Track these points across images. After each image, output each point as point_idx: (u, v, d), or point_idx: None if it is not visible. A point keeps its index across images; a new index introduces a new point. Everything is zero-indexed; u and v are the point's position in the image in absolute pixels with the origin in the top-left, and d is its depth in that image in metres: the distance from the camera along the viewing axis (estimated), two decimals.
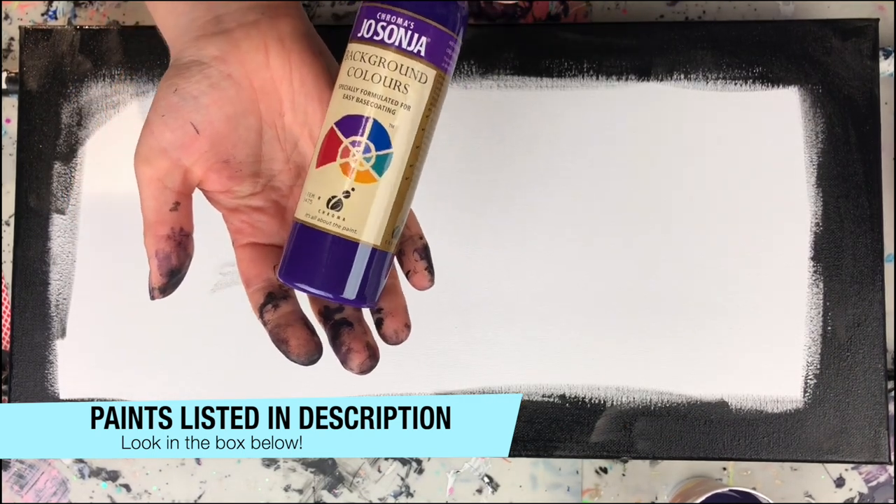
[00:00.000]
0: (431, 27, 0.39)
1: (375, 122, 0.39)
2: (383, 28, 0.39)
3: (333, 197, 0.39)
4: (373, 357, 0.41)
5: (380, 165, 0.39)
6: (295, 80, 0.41)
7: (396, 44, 0.39)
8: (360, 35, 0.39)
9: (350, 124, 0.39)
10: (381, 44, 0.39)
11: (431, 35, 0.39)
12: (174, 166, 0.40)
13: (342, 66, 0.40)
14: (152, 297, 0.42)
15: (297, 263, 0.40)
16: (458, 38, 0.40)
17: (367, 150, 0.39)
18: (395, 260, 0.42)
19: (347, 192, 0.39)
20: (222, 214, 0.43)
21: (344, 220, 0.39)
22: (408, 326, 0.42)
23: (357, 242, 0.39)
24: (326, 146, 0.39)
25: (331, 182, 0.39)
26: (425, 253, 0.43)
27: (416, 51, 0.39)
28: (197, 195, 0.42)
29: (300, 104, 0.41)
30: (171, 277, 0.41)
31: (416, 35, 0.39)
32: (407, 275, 0.42)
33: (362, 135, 0.39)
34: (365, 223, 0.39)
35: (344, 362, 0.41)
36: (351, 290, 0.40)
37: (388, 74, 0.39)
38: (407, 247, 0.42)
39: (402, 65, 0.39)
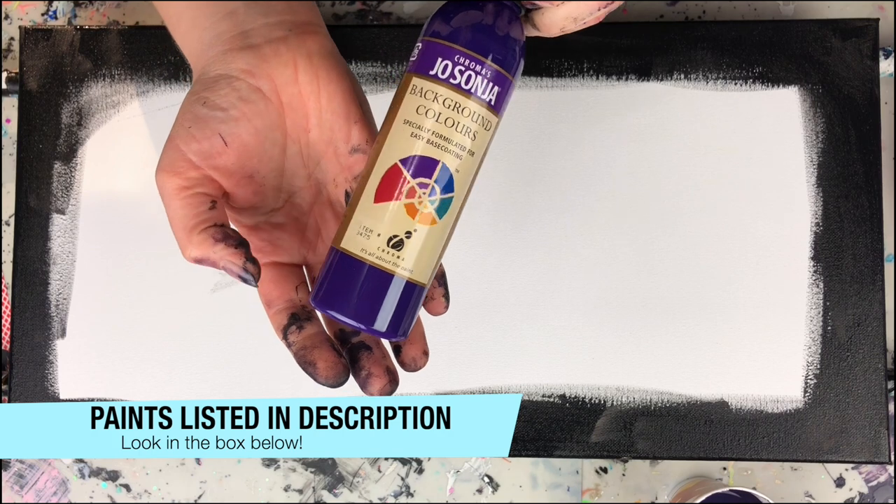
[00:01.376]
0: (505, 77, 0.39)
1: (444, 166, 0.39)
2: (461, 72, 0.38)
3: (395, 236, 0.39)
4: (393, 381, 0.41)
5: (442, 208, 0.39)
6: (323, 97, 0.41)
7: (474, 91, 0.38)
8: (432, 73, 0.38)
9: (419, 165, 0.38)
10: (458, 88, 0.38)
11: (503, 85, 0.39)
12: (203, 176, 0.39)
13: (405, 99, 0.39)
14: (254, 280, 0.38)
15: (342, 294, 0.39)
16: (515, 84, 0.40)
17: (433, 192, 0.39)
18: None
19: (409, 232, 0.39)
20: (240, 232, 0.42)
21: (403, 259, 0.39)
22: (426, 353, 0.42)
23: (410, 281, 0.39)
24: (388, 182, 0.39)
25: (393, 220, 0.39)
26: (443, 280, 0.43)
27: (487, 100, 0.39)
28: None
29: (326, 121, 0.41)
30: (245, 248, 0.38)
31: (490, 84, 0.39)
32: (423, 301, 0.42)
33: (431, 177, 0.38)
34: (420, 263, 0.39)
35: (363, 386, 0.41)
36: (393, 325, 0.39)
37: (461, 120, 0.38)
38: None
39: (474, 112, 0.39)
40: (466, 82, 0.38)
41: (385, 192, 0.39)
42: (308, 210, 0.43)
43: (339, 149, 0.41)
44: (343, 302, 0.39)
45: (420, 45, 0.40)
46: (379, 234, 0.39)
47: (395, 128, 0.39)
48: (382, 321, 0.39)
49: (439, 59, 0.38)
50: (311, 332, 0.41)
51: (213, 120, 0.39)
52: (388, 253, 0.39)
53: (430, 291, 0.42)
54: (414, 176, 0.38)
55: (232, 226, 0.40)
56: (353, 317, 0.39)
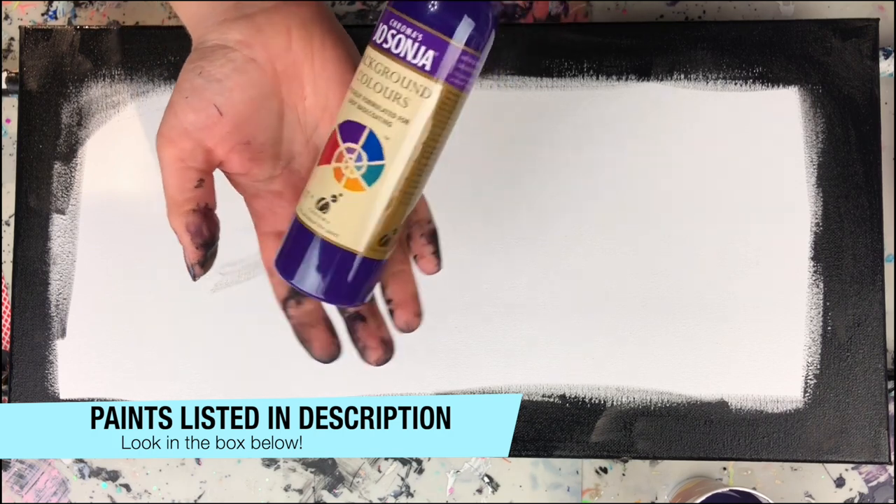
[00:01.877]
0: (441, 41, 0.37)
1: (371, 133, 0.38)
2: (392, 36, 0.38)
3: (322, 199, 0.39)
4: (388, 351, 0.43)
5: (370, 175, 0.39)
6: (317, 64, 0.41)
7: (402, 55, 0.38)
8: (373, 39, 0.39)
9: (349, 130, 0.39)
10: (388, 53, 0.38)
11: (441, 49, 0.37)
12: (197, 146, 0.40)
13: (359, 68, 0.40)
14: (194, 277, 0.42)
15: (286, 256, 0.40)
16: (478, 55, 0.38)
17: (359, 158, 0.38)
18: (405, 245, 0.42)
19: (335, 196, 0.39)
20: (245, 200, 0.44)
21: (328, 222, 0.39)
22: (418, 315, 0.43)
23: (339, 247, 0.39)
24: (328, 147, 0.39)
25: (323, 183, 0.39)
26: (433, 238, 0.43)
27: (420, 64, 0.38)
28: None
29: (321, 87, 0.42)
30: (206, 249, 0.41)
31: (422, 48, 0.37)
32: (414, 259, 0.43)
33: (357, 143, 0.38)
34: (349, 229, 0.39)
35: (361, 356, 0.43)
36: (329, 291, 0.40)
37: (389, 85, 0.38)
38: (414, 231, 0.42)
39: (403, 77, 0.38)
40: (397, 46, 0.38)
41: (325, 156, 0.39)
42: (307, 176, 0.43)
43: (335, 115, 0.42)
44: (286, 262, 0.40)
45: None
46: (312, 196, 0.39)
47: (346, 96, 0.40)
48: (315, 283, 0.40)
49: (381, 25, 0.38)
50: (309, 308, 0.43)
51: (209, 91, 0.40)
52: (315, 214, 0.39)
53: (419, 249, 0.42)
54: (344, 141, 0.39)
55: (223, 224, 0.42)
56: (291, 276, 0.40)
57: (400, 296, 0.43)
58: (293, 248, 0.40)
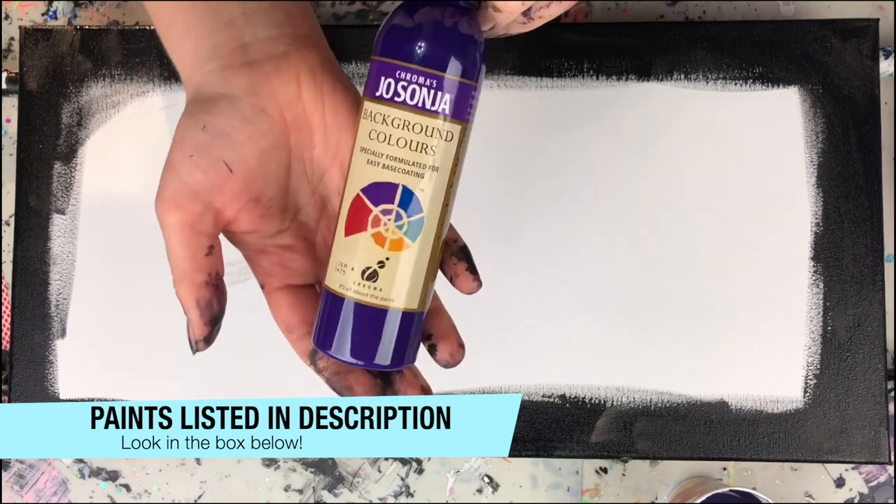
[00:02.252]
0: (453, 82, 0.37)
1: (405, 189, 0.37)
2: (404, 88, 0.37)
3: (368, 268, 0.38)
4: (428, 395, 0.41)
5: (413, 231, 0.38)
6: (328, 113, 0.40)
7: (419, 105, 0.37)
8: (378, 94, 0.37)
9: (378, 192, 0.37)
10: (403, 105, 0.37)
11: (454, 90, 0.37)
12: (206, 209, 0.38)
13: (361, 126, 0.38)
14: (196, 351, 0.39)
15: (332, 333, 0.39)
16: (478, 85, 0.38)
17: (398, 217, 0.37)
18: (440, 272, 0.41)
19: (382, 262, 0.38)
20: (246, 257, 0.42)
21: (381, 290, 0.38)
22: (462, 346, 0.41)
23: (395, 311, 0.38)
24: (354, 214, 0.38)
25: (364, 252, 0.38)
26: (464, 254, 0.41)
27: (440, 110, 0.37)
28: None
29: (332, 136, 0.40)
30: (214, 325, 0.39)
31: (438, 93, 0.37)
32: (451, 281, 0.41)
33: (393, 202, 0.37)
34: (401, 290, 0.38)
35: None
36: (386, 357, 0.39)
37: (413, 138, 0.37)
38: (444, 252, 0.41)
39: (426, 126, 0.37)
40: (412, 97, 0.37)
41: (353, 224, 0.38)
42: (315, 227, 0.42)
43: (345, 162, 0.40)
44: (335, 341, 0.39)
45: (370, 65, 0.38)
46: (353, 268, 0.38)
47: (355, 157, 0.38)
48: (375, 355, 0.39)
49: (382, 79, 0.37)
50: None
51: (217, 147, 0.38)
52: (363, 286, 0.38)
53: (453, 269, 0.41)
54: (375, 204, 0.37)
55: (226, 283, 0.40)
56: (346, 355, 0.39)
57: (439, 329, 0.41)
58: (337, 324, 0.39)
